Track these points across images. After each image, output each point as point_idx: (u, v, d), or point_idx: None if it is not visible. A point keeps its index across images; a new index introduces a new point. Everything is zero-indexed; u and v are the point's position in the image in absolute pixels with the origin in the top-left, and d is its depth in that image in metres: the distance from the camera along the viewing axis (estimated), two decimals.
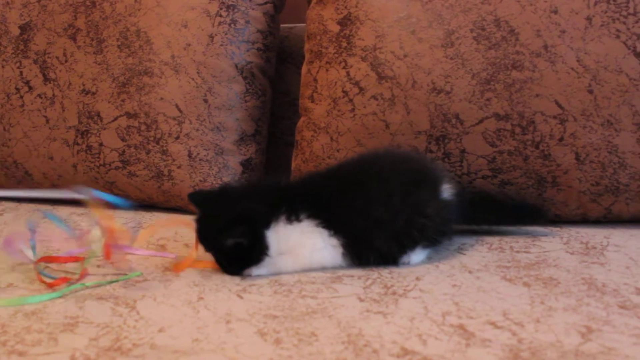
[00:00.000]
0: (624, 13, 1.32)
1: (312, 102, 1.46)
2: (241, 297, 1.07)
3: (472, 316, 0.99)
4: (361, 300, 1.06)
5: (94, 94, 1.57)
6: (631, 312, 0.99)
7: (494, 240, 1.33)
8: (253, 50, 1.56)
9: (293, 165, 1.50)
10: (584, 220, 1.42)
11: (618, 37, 1.32)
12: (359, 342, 0.92)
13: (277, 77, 1.72)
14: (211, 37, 1.53)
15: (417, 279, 1.14)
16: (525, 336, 0.93)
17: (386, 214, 1.16)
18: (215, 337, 0.94)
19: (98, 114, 1.56)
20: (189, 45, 1.53)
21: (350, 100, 1.41)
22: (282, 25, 1.76)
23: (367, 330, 0.96)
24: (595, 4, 1.33)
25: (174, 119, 1.51)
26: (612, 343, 0.90)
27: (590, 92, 1.32)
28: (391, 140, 1.37)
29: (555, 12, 1.34)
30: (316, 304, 1.04)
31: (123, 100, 1.54)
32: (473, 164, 1.36)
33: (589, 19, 1.33)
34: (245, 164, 1.53)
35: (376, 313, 1.01)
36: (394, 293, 1.08)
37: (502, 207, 1.37)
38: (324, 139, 1.43)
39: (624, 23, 1.32)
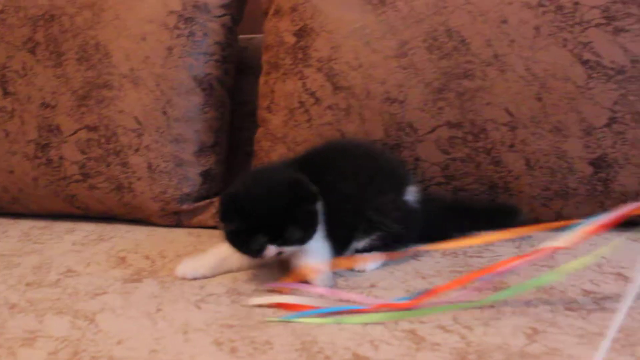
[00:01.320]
0: (570, 22, 1.36)
1: (270, 112, 1.48)
2: (199, 308, 1.09)
3: (423, 321, 1.02)
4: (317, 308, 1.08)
5: (53, 107, 1.58)
6: (576, 313, 1.02)
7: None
8: (211, 62, 1.58)
9: None
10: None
11: (565, 45, 1.36)
12: (312, 349, 0.95)
13: (236, 88, 1.74)
14: (169, 49, 1.55)
15: (372, 285, 1.16)
16: (474, 339, 0.96)
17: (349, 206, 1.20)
18: (172, 348, 0.96)
19: (58, 127, 1.57)
20: (148, 57, 1.55)
21: (307, 111, 1.43)
22: (241, 36, 1.78)
23: (321, 337, 0.98)
24: (543, 13, 1.37)
25: (134, 131, 1.53)
26: (556, 344, 0.93)
27: (539, 99, 1.36)
28: None
29: (505, 22, 1.37)
30: (272, 312, 1.06)
31: (83, 114, 1.56)
32: (427, 171, 1.39)
33: (537, 28, 1.36)
34: (205, 175, 1.55)
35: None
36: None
37: (475, 211, 1.38)
38: (282, 149, 1.45)
39: (571, 32, 1.35)
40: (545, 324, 0.99)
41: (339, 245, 1.21)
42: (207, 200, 1.55)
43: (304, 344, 0.96)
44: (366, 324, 1.01)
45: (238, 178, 1.20)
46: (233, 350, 0.95)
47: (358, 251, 1.24)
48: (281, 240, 1.12)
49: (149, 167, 1.52)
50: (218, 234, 1.47)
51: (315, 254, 1.17)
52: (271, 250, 1.12)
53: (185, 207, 1.53)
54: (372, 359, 0.92)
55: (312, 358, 0.92)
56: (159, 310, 1.08)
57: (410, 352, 0.93)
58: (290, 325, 1.02)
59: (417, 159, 1.39)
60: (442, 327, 1.00)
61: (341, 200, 1.19)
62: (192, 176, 1.54)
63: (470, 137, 1.37)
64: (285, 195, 1.12)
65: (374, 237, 1.23)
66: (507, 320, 1.01)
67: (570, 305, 1.05)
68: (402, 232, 1.24)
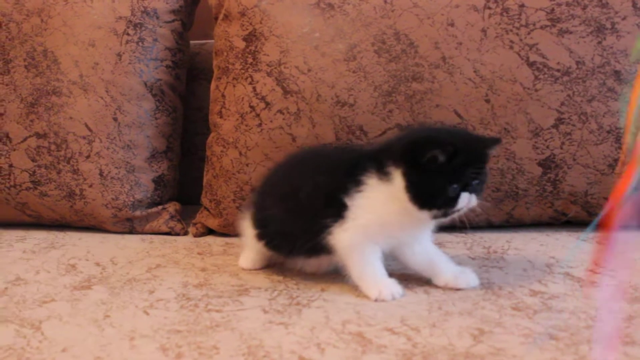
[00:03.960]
0: (517, 25, 1.37)
1: (221, 117, 1.48)
2: (147, 314, 1.08)
3: (371, 324, 1.02)
4: (265, 312, 1.08)
5: (2, 114, 1.56)
6: (522, 313, 1.03)
7: None
8: (162, 68, 1.57)
9: (204, 180, 1.52)
10: (489, 226, 1.46)
11: (512, 47, 1.37)
12: (258, 353, 0.94)
13: (189, 94, 1.73)
14: (119, 55, 1.54)
15: (322, 289, 1.16)
16: (420, 341, 0.96)
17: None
18: (118, 355, 0.95)
19: (7, 135, 1.56)
20: (97, 64, 1.54)
21: (257, 115, 1.43)
22: (193, 41, 1.78)
23: (268, 341, 0.98)
24: (490, 16, 1.38)
25: (84, 138, 1.51)
26: (502, 344, 0.93)
27: (487, 101, 1.37)
28: None
29: (452, 24, 1.39)
30: (220, 317, 1.06)
31: (32, 121, 1.54)
32: None
33: (484, 30, 1.38)
34: (158, 181, 1.55)
35: (278, 324, 1.03)
36: (298, 304, 1.11)
37: None
38: (233, 153, 1.45)
39: (517, 34, 1.37)
40: (492, 324, 1.00)
41: None
42: (160, 207, 1.54)
43: (250, 348, 0.96)
44: (314, 327, 1.02)
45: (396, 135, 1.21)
46: (179, 356, 0.94)
47: None
48: (474, 188, 1.07)
49: (101, 173, 1.51)
50: (174, 240, 1.46)
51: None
52: (464, 200, 1.06)
53: (137, 213, 1.52)
54: None
55: None
56: (106, 316, 1.08)
57: (356, 354, 0.93)
58: (238, 329, 1.02)
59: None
60: (390, 330, 1.00)
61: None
62: (144, 182, 1.53)
63: None
64: (481, 137, 1.14)
65: None
66: (454, 321, 1.01)
67: (517, 305, 1.06)
68: None
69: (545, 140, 1.36)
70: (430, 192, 1.05)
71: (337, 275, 1.22)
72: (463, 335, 0.97)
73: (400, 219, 1.09)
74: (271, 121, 1.42)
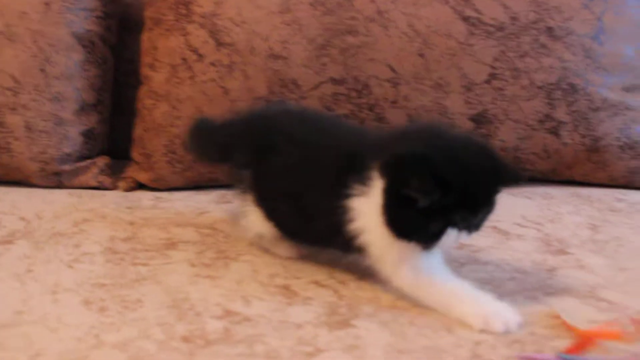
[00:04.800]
0: None
1: (152, 70, 1.45)
2: (72, 268, 1.07)
3: (298, 277, 1.02)
4: (193, 265, 1.07)
5: None
6: (450, 266, 1.02)
7: None
8: (92, 18, 1.52)
9: (135, 134, 1.49)
10: None
11: (447, 2, 1.36)
12: (183, 305, 0.94)
13: (122, 46, 1.69)
14: (47, 4, 1.49)
15: (251, 243, 1.15)
16: (346, 293, 0.97)
17: None
18: (39, 309, 0.93)
19: None
20: (25, 13, 1.48)
21: (190, 68, 1.40)
22: None
23: (194, 294, 0.97)
24: None
25: (10, 89, 1.47)
26: None
27: (422, 55, 1.36)
28: (231, 107, 1.38)
29: None
30: (147, 271, 1.05)
31: None
32: None
33: None
34: (87, 134, 1.51)
35: (205, 277, 1.03)
36: (226, 257, 1.10)
37: None
38: (164, 107, 1.42)
39: None
40: None
41: None
42: (89, 160, 1.50)
43: (175, 301, 0.95)
44: (241, 280, 1.01)
45: (395, 137, 0.96)
46: (102, 310, 0.93)
47: None
48: (469, 225, 0.90)
49: (27, 126, 1.47)
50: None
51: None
52: (451, 237, 0.89)
53: (66, 167, 1.48)
54: (242, 314, 0.91)
55: (183, 315, 0.91)
56: (29, 271, 1.05)
57: (281, 306, 0.93)
58: (164, 282, 1.01)
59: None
60: (317, 282, 1.00)
61: None
62: (73, 135, 1.49)
63: (353, 94, 1.37)
64: (494, 166, 0.91)
65: None
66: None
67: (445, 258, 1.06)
68: None
69: (478, 96, 1.36)
70: (406, 224, 0.88)
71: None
72: (390, 289, 0.97)
73: None
74: (204, 74, 1.40)
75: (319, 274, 1.03)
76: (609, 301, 0.94)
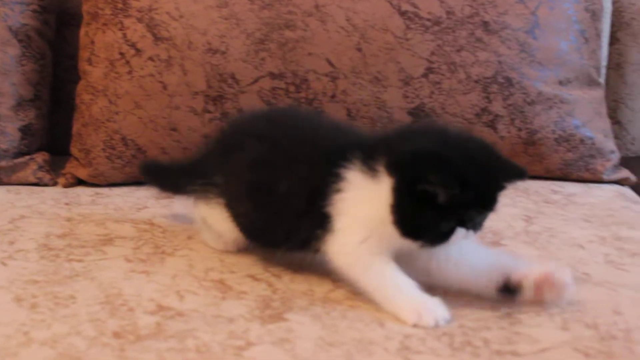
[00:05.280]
0: None
1: (90, 64, 1.44)
2: (5, 265, 1.06)
3: (234, 271, 1.03)
4: (128, 261, 1.07)
5: None
6: None
7: None
8: (28, 12, 1.50)
9: (74, 129, 1.47)
10: None
11: None
12: (116, 301, 0.93)
13: (61, 40, 1.67)
14: None
15: (189, 238, 1.15)
16: (280, 287, 0.97)
17: None
18: None
19: None
20: None
21: (127, 62, 1.39)
22: None
23: (127, 290, 0.97)
24: None
25: None
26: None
27: (359, 50, 1.37)
28: (169, 102, 1.38)
29: None
30: (81, 267, 1.04)
31: None
32: None
33: None
34: (25, 130, 1.49)
35: (140, 273, 1.02)
36: (162, 252, 1.10)
37: None
38: (103, 102, 1.41)
39: None
40: None
41: None
42: (28, 157, 1.48)
43: (108, 297, 0.95)
44: (176, 275, 1.01)
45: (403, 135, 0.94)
46: (34, 306, 0.92)
47: None
48: (475, 224, 0.89)
49: None
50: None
51: None
52: (459, 236, 0.88)
53: (3, 163, 1.46)
54: (176, 309, 0.91)
55: (115, 310, 0.91)
56: None
57: (215, 301, 0.93)
58: (98, 279, 1.00)
59: (240, 111, 1.38)
60: (252, 276, 1.01)
61: None
62: (10, 131, 1.47)
63: (292, 88, 1.38)
64: (501, 163, 0.91)
65: None
66: (317, 268, 1.02)
67: None
68: None
69: (416, 89, 1.38)
70: (418, 224, 0.87)
71: None
72: (324, 281, 0.98)
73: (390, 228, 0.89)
74: (142, 68, 1.39)
75: (255, 267, 1.03)
76: None
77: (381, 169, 0.88)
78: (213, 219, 1.08)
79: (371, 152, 0.89)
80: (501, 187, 0.88)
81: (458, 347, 0.82)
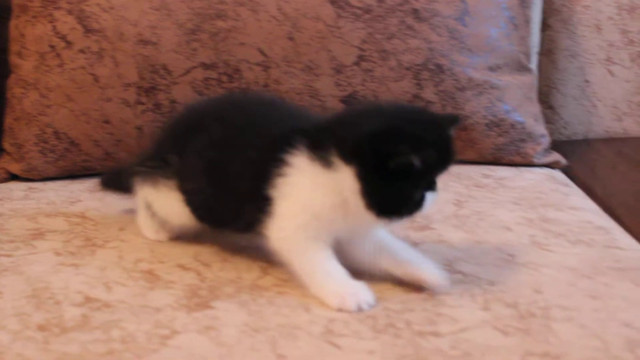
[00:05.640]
0: None
1: (21, 58, 1.42)
2: None
3: (163, 261, 1.03)
4: (58, 254, 1.06)
5: None
6: None
7: None
8: None
9: (5, 123, 1.46)
10: None
11: None
12: (43, 295, 0.93)
13: None
14: None
15: (121, 229, 1.15)
16: (209, 275, 0.98)
17: None
18: None
19: None
20: None
21: (58, 55, 1.38)
22: None
23: (56, 283, 0.96)
24: None
25: None
26: (286, 275, 0.95)
27: (291, 39, 1.38)
28: (101, 94, 1.37)
29: None
30: (9, 262, 1.04)
31: None
32: None
33: None
34: None
35: (69, 266, 1.02)
36: (93, 245, 1.09)
37: None
38: (34, 95, 1.40)
39: None
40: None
41: None
42: None
43: (35, 290, 0.94)
44: (105, 267, 1.01)
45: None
46: None
47: None
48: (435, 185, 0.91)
49: None
50: None
51: None
52: (428, 202, 0.90)
53: None
54: (103, 301, 0.91)
55: (42, 304, 0.91)
56: None
57: (143, 291, 0.94)
58: (26, 273, 1.00)
59: (173, 102, 1.38)
60: (181, 266, 1.01)
61: None
62: None
63: (225, 78, 1.38)
64: (440, 118, 0.95)
65: None
66: (247, 256, 1.02)
67: None
68: None
69: (348, 77, 1.39)
70: (394, 200, 0.87)
71: (134, 213, 1.20)
72: (252, 269, 0.99)
73: (339, 215, 0.90)
74: (72, 61, 1.38)
75: (185, 257, 1.03)
76: (463, 273, 0.98)
77: (335, 159, 0.88)
78: (159, 203, 1.07)
79: (318, 140, 0.90)
80: (452, 138, 0.90)
81: (381, 329, 0.84)
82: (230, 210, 0.97)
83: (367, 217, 0.88)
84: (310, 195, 0.89)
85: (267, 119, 1.01)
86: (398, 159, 0.84)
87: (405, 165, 0.84)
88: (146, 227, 1.12)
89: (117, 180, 1.21)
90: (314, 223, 0.90)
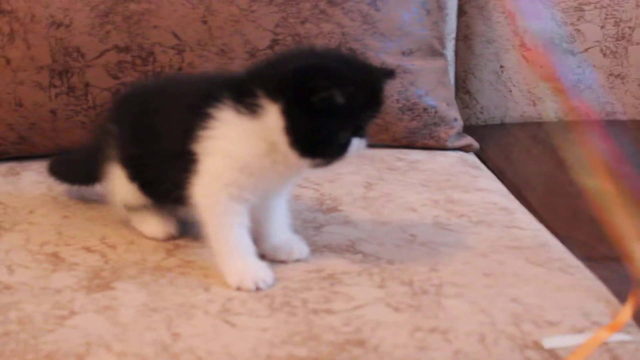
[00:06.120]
0: None
1: None
2: None
3: (69, 244, 1.03)
4: None
5: None
6: None
7: None
8: None
9: None
10: None
11: None
12: None
13: None
14: None
15: (31, 212, 1.15)
16: (113, 257, 0.98)
17: None
18: None
19: None
20: None
21: None
22: None
23: None
24: None
25: None
26: (191, 257, 0.98)
27: (205, 22, 1.38)
28: (13, 77, 1.36)
29: None
30: None
31: None
32: (98, 97, 1.38)
33: None
34: None
35: None
36: (1, 229, 1.09)
37: None
38: None
39: None
40: (187, 240, 1.02)
41: None
42: None
43: None
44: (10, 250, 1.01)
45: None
46: None
47: None
48: (365, 132, 0.91)
49: None
50: None
51: None
52: (354, 147, 0.90)
53: None
54: (4, 283, 0.92)
55: None
56: None
57: (45, 273, 0.94)
58: None
59: (86, 85, 1.37)
60: (87, 248, 1.02)
61: None
62: None
63: (139, 61, 1.38)
64: (374, 66, 0.96)
65: None
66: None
67: None
68: None
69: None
70: (317, 138, 0.87)
71: (47, 197, 1.20)
72: (158, 251, 1.00)
73: (265, 164, 0.90)
74: None
75: (92, 239, 1.04)
76: (364, 253, 1.00)
77: (262, 101, 0.88)
78: (111, 185, 1.06)
79: (245, 87, 0.90)
80: (383, 86, 0.92)
81: (277, 307, 0.86)
82: (165, 175, 0.96)
83: (292, 161, 0.88)
84: (236, 147, 0.89)
85: (202, 82, 1.02)
86: (320, 93, 0.84)
87: (328, 101, 0.85)
88: (139, 225, 1.07)
89: (66, 170, 1.21)
90: (240, 179, 0.89)
